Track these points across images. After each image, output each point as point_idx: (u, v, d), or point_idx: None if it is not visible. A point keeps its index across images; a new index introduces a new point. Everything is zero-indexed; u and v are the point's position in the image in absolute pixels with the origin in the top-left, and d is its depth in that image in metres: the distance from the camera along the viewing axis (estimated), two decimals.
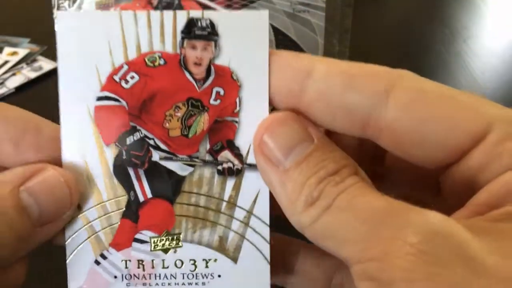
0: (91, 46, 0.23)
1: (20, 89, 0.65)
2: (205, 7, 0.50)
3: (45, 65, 0.69)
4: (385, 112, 0.20)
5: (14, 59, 0.69)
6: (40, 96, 0.65)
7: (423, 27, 0.81)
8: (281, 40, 0.50)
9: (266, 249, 0.24)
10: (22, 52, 0.71)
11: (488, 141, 0.19)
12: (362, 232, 0.18)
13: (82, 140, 0.23)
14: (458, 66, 0.70)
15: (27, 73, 0.67)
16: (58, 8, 0.52)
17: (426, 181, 0.24)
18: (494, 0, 0.92)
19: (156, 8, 0.50)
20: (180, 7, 0.50)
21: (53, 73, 0.68)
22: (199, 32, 0.23)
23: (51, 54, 0.70)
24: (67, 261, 0.24)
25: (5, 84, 0.65)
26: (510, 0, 0.93)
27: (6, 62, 0.69)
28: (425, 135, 0.20)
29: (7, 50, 0.72)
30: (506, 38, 0.80)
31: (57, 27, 0.23)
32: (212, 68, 0.23)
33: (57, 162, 0.23)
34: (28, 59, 0.70)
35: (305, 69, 0.21)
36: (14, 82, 0.66)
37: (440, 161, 0.21)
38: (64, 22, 0.23)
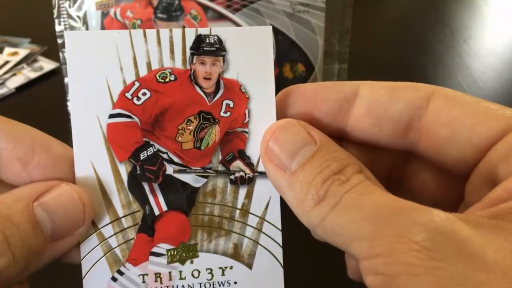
0: (101, 65, 0.23)
1: (20, 89, 0.65)
2: (205, 7, 0.50)
3: (46, 65, 0.69)
4: (425, 115, 0.23)
5: (15, 59, 0.69)
6: (41, 97, 0.65)
7: (423, 27, 0.81)
8: (281, 40, 0.50)
9: (279, 253, 0.25)
10: (22, 52, 0.71)
11: (510, 135, 0.21)
12: (369, 230, 0.19)
13: (95, 157, 0.23)
14: (458, 66, 0.70)
15: (28, 73, 0.67)
16: (59, 8, 0.52)
17: (445, 196, 0.25)
18: (494, 0, 0.92)
19: (156, 8, 0.50)
20: (181, 7, 0.50)
21: (53, 73, 0.68)
22: (207, 48, 0.24)
23: (51, 54, 0.70)
24: (84, 279, 0.24)
25: (5, 84, 0.65)
26: (510, 0, 0.93)
27: (6, 62, 0.69)
28: (455, 131, 0.22)
29: (8, 50, 0.72)
30: (506, 38, 0.80)
31: (66, 47, 0.23)
32: (221, 82, 0.24)
33: (66, 181, 0.23)
34: (28, 59, 0.70)
35: (350, 90, 0.24)
36: (14, 82, 0.66)
37: (468, 157, 0.22)
38: (73, 42, 0.23)
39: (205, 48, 0.24)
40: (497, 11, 0.87)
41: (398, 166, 0.26)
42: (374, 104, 0.24)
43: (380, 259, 0.18)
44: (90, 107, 0.23)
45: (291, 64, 0.52)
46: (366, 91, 0.24)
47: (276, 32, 0.50)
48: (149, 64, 0.24)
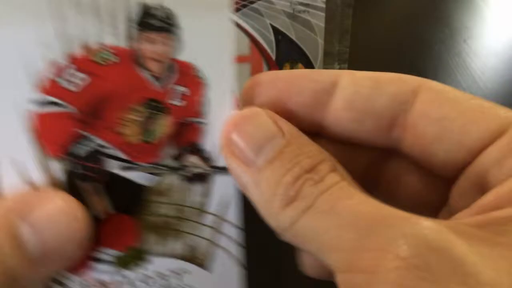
0: (18, 42, 0.19)
1: None
2: None
3: None
4: (411, 110, 0.21)
5: None
6: None
7: (423, 27, 0.81)
8: (281, 40, 0.50)
9: (240, 254, 0.23)
10: None
11: (504, 138, 0.19)
12: (348, 241, 0.17)
13: (20, 155, 0.19)
14: (458, 66, 0.70)
15: None
16: None
17: (428, 197, 0.23)
18: (494, 0, 0.92)
19: None
20: None
21: None
22: (158, 24, 0.20)
23: None
24: None
25: None
26: (510, 0, 0.93)
27: None
28: (445, 130, 0.20)
29: None
30: (506, 38, 0.80)
31: None
32: (174, 64, 0.20)
33: None
34: None
35: (330, 80, 0.22)
36: None
37: (458, 159, 0.20)
38: None
39: (154, 24, 0.20)
40: (497, 11, 0.87)
41: (375, 165, 0.24)
42: (355, 96, 0.21)
43: (362, 276, 0.16)
44: (8, 96, 0.19)
45: (291, 64, 0.52)
46: (347, 82, 0.21)
47: (276, 32, 0.50)
48: (85, 41, 0.20)
